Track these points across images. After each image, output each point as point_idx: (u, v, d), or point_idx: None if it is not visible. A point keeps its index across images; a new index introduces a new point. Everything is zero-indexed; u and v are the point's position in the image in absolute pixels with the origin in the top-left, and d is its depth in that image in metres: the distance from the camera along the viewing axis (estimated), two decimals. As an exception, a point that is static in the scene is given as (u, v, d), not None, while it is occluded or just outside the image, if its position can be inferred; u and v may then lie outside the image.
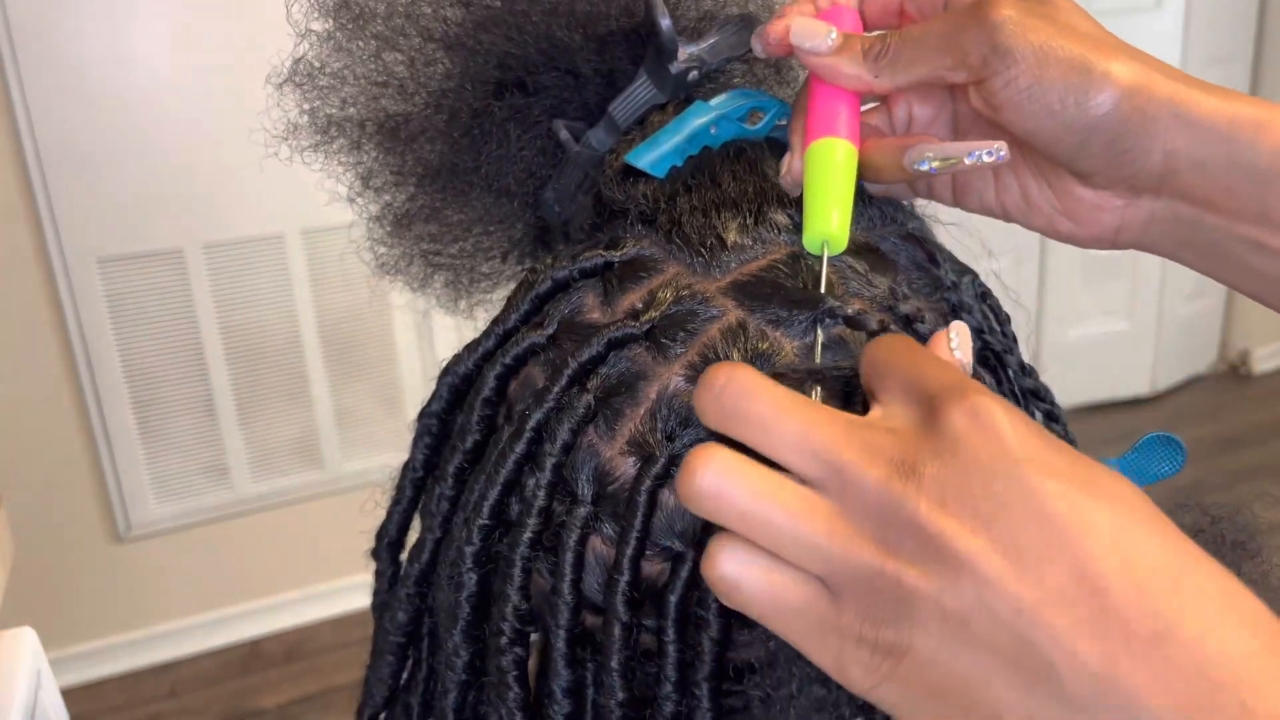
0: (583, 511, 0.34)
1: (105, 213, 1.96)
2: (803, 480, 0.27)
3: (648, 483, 0.32)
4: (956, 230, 0.44)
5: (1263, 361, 3.38)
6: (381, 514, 0.42)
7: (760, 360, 0.33)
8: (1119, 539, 0.24)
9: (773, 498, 0.26)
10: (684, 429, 0.33)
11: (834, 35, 0.37)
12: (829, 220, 0.35)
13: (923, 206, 0.42)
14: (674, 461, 0.32)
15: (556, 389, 0.34)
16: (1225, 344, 3.43)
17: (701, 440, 0.31)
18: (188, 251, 2.03)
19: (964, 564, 0.24)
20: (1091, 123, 0.35)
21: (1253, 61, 3.11)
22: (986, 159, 0.35)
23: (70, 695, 1.33)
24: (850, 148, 0.37)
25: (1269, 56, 3.09)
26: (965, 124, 0.41)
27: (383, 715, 0.42)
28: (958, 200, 0.42)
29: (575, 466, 0.34)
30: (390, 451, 2.21)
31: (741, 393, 0.27)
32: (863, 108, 0.40)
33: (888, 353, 0.29)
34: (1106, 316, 3.15)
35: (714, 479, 0.27)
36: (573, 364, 0.34)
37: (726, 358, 0.33)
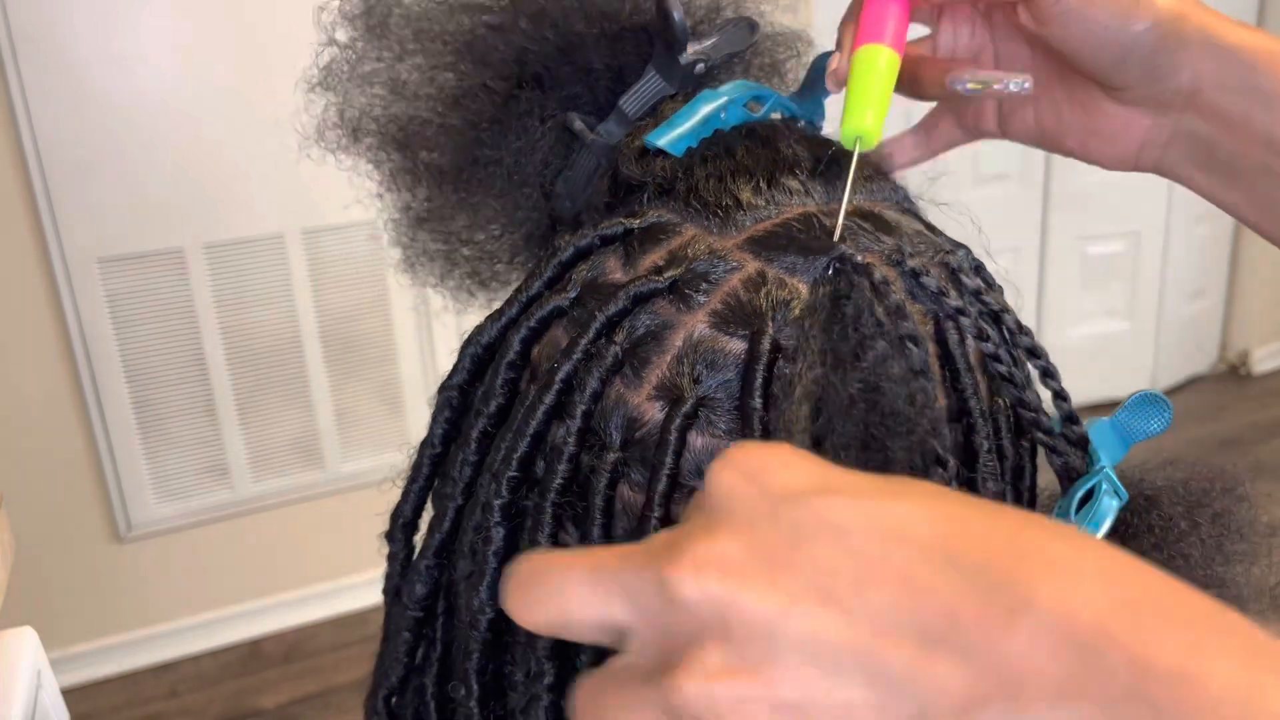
0: (612, 457, 0.35)
1: (105, 213, 1.96)
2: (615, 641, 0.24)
3: (677, 421, 0.33)
4: (956, 230, 0.44)
5: (1263, 361, 3.38)
6: (388, 503, 0.42)
7: (781, 308, 0.34)
8: (939, 526, 0.22)
9: (597, 694, 0.23)
10: (710, 371, 0.34)
11: None
12: (864, 117, 0.39)
13: (917, 198, 0.43)
14: (702, 402, 0.34)
15: (584, 342, 0.35)
16: (1225, 344, 3.43)
17: (727, 383, 0.33)
18: (188, 251, 2.04)
19: (774, 631, 0.21)
20: (1131, 40, 0.39)
21: (1253, 62, 3.11)
22: (1013, 88, 0.40)
23: (70, 695, 1.33)
24: (893, 55, 0.40)
25: (1269, 57, 3.09)
26: (1004, 57, 0.46)
27: (395, 698, 0.42)
28: (1003, 127, 0.48)
29: (604, 414, 0.35)
30: (390, 451, 2.21)
31: (532, 576, 0.25)
32: (912, 38, 0.45)
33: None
34: (1106, 316, 3.16)
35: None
36: (600, 318, 0.35)
37: (750, 304, 0.34)
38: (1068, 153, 0.47)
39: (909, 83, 0.45)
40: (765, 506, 0.23)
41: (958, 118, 0.50)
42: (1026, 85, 0.40)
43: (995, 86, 0.41)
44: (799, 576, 0.21)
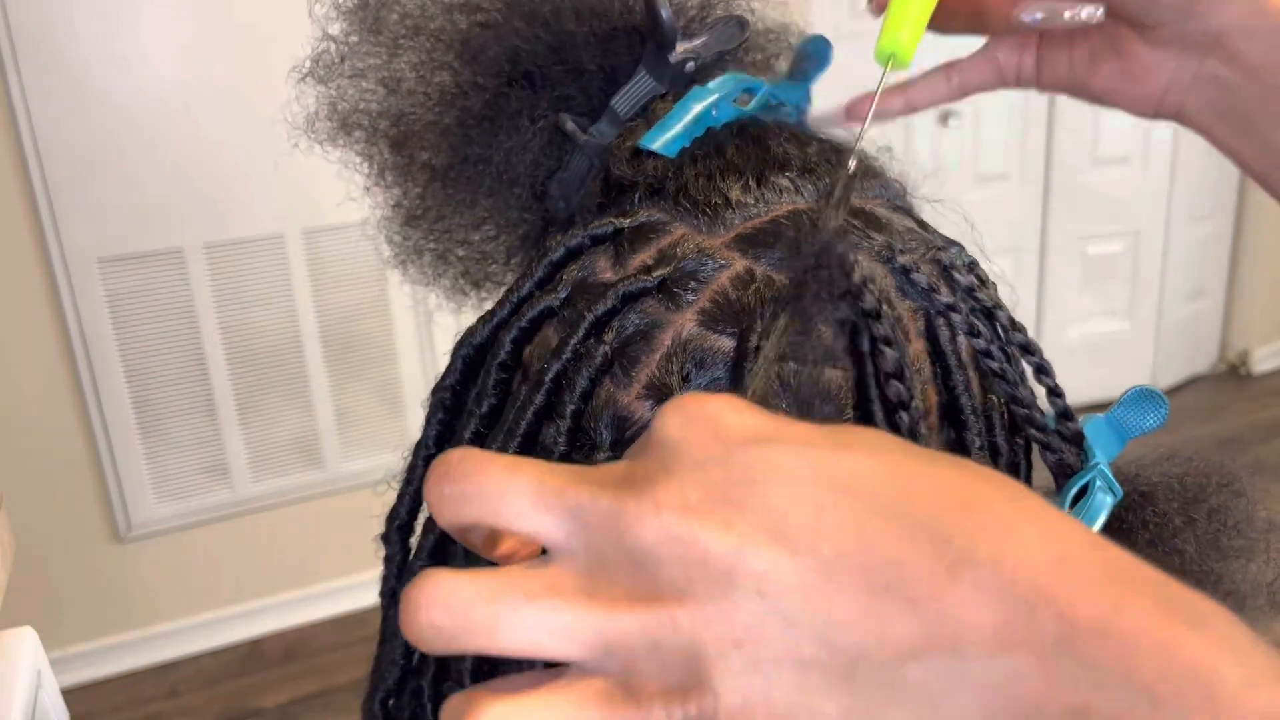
0: (602, 457, 0.35)
1: (105, 213, 1.96)
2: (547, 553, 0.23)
3: None
4: (956, 232, 0.44)
5: (1262, 361, 3.38)
6: (386, 503, 0.43)
7: (774, 303, 0.34)
8: (889, 479, 0.22)
9: (513, 591, 0.22)
10: (699, 370, 0.34)
11: None
12: (899, 36, 0.41)
13: (911, 196, 0.43)
14: None
15: (573, 342, 0.35)
16: (1225, 344, 3.43)
17: (717, 381, 0.33)
18: (188, 251, 2.04)
19: (730, 570, 0.21)
20: None
21: (1252, 61, 3.11)
22: (1084, 15, 0.43)
23: (70, 695, 1.33)
24: None
25: (1269, 56, 3.09)
26: None
27: (392, 700, 0.42)
28: (1039, 75, 0.50)
29: (594, 414, 0.35)
30: (390, 451, 2.21)
31: (465, 473, 0.24)
32: None
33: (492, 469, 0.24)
34: (1106, 316, 3.15)
35: (442, 603, 0.22)
36: (588, 317, 0.35)
37: (738, 302, 0.34)
38: (1094, 96, 0.49)
39: (971, 16, 0.49)
40: (718, 449, 0.23)
41: (999, 61, 0.52)
42: (1099, 13, 0.43)
43: (1066, 14, 0.43)
44: (753, 517, 0.22)
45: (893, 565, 0.21)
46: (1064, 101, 2.83)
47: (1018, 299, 0.44)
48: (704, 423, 0.24)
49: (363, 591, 2.29)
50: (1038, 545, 0.21)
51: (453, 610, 0.22)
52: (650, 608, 0.22)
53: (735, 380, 0.33)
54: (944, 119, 2.72)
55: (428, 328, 2.24)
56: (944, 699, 0.20)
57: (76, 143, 1.91)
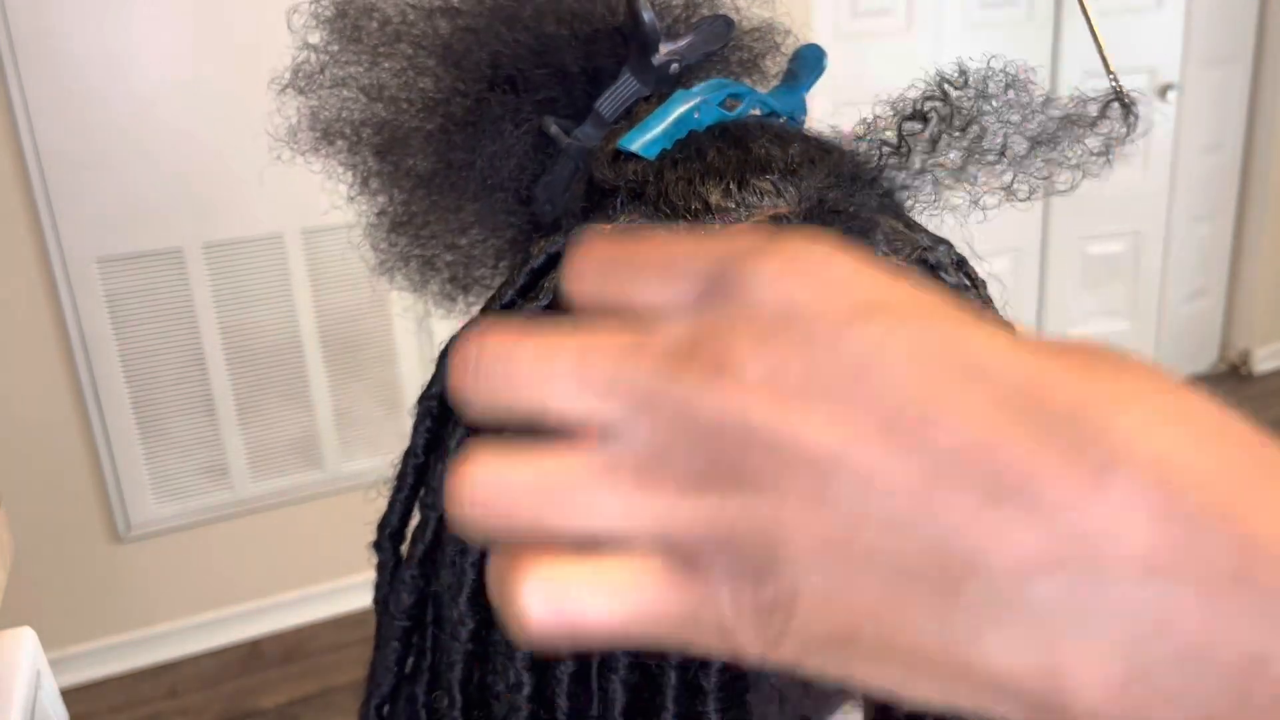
0: None
1: (105, 213, 1.96)
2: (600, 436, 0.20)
3: None
4: (953, 230, 0.44)
5: (1263, 361, 3.38)
6: (382, 506, 0.43)
7: None
8: (1021, 362, 0.19)
9: (562, 480, 0.20)
10: None
11: None
12: None
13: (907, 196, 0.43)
14: None
15: None
16: (1225, 344, 3.43)
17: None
18: (188, 251, 2.04)
19: (829, 463, 0.18)
20: None
21: (1253, 62, 3.11)
22: None
23: (70, 695, 1.33)
24: None
25: (1269, 57, 3.09)
26: None
27: (387, 707, 0.42)
28: None
29: None
30: (390, 451, 2.21)
31: (497, 356, 0.21)
32: None
33: (619, 249, 0.22)
34: (1106, 316, 3.15)
35: (486, 485, 0.20)
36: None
37: None
38: None
39: None
40: (827, 323, 0.19)
41: None
42: None
43: None
44: (862, 409, 0.18)
45: (1021, 465, 0.18)
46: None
47: (1008, 297, 0.44)
48: (814, 288, 0.20)
49: (362, 591, 2.29)
50: (1209, 448, 0.18)
51: (498, 501, 0.20)
52: (726, 495, 0.19)
53: None
54: (944, 119, 2.72)
55: (427, 328, 2.24)
56: (1072, 627, 0.17)
57: (75, 143, 1.91)
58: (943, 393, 0.18)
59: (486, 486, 0.20)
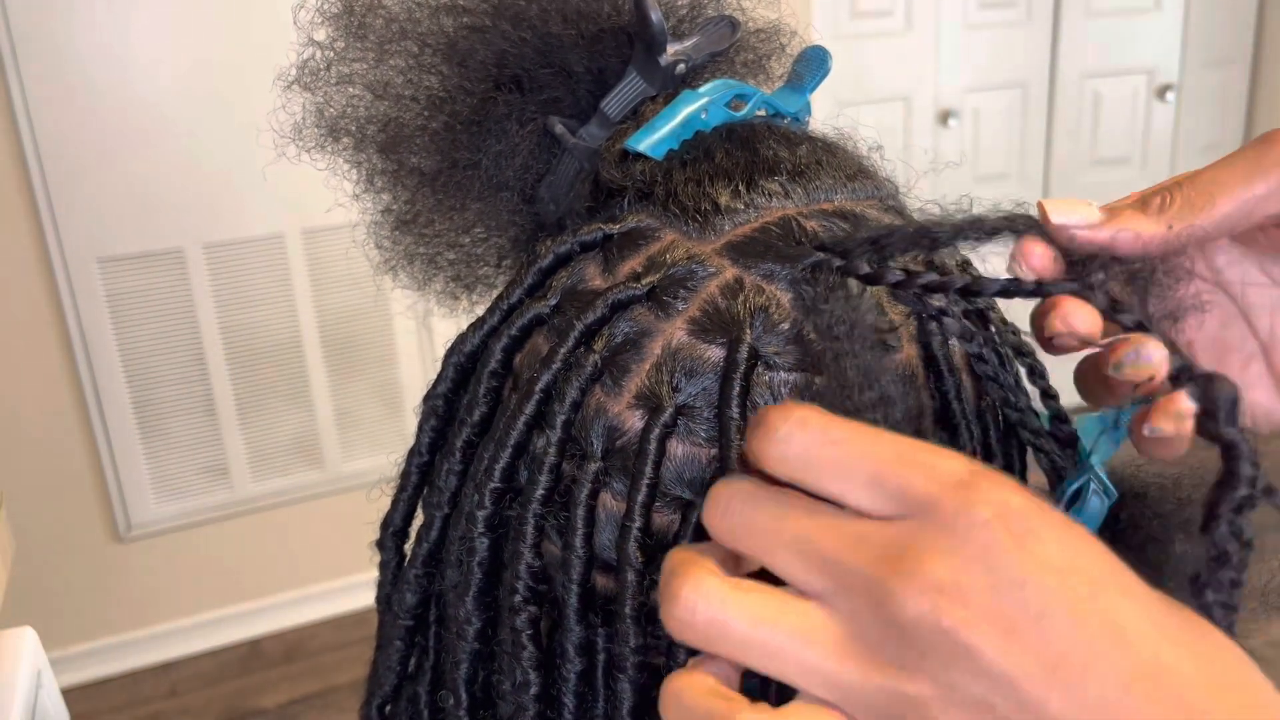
0: (593, 467, 0.35)
1: (105, 213, 1.96)
2: (802, 590, 0.25)
3: (656, 430, 0.33)
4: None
5: (1262, 362, 3.37)
6: (384, 506, 0.43)
7: (759, 315, 0.34)
8: (1159, 637, 0.23)
9: (775, 624, 0.24)
10: (689, 380, 0.34)
11: (1095, 205, 0.35)
12: None
13: (904, 192, 0.43)
14: (681, 411, 0.34)
15: (563, 351, 0.35)
16: (1225, 344, 3.42)
17: (706, 390, 0.33)
18: (188, 251, 2.04)
19: (1002, 680, 0.22)
20: None
21: (1252, 63, 3.11)
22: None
23: (70, 695, 1.33)
24: None
25: (1269, 58, 3.09)
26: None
27: (389, 706, 0.42)
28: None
29: (584, 424, 0.35)
30: (390, 451, 2.21)
31: (745, 502, 0.26)
32: None
33: (838, 441, 0.26)
34: (1106, 317, 3.15)
35: (708, 608, 0.24)
36: (578, 326, 0.35)
37: (727, 311, 0.34)
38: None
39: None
40: (1018, 569, 0.23)
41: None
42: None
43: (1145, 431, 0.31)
44: (1034, 646, 0.22)
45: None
46: (1063, 101, 2.84)
47: (1010, 300, 0.44)
48: (1012, 534, 0.23)
49: (363, 591, 2.29)
50: None
51: (713, 618, 0.24)
52: (901, 681, 0.23)
53: (724, 391, 0.33)
54: (944, 119, 2.72)
55: (427, 328, 2.24)
56: None
57: (76, 142, 1.91)
58: (1099, 650, 0.22)
59: (706, 605, 0.25)
